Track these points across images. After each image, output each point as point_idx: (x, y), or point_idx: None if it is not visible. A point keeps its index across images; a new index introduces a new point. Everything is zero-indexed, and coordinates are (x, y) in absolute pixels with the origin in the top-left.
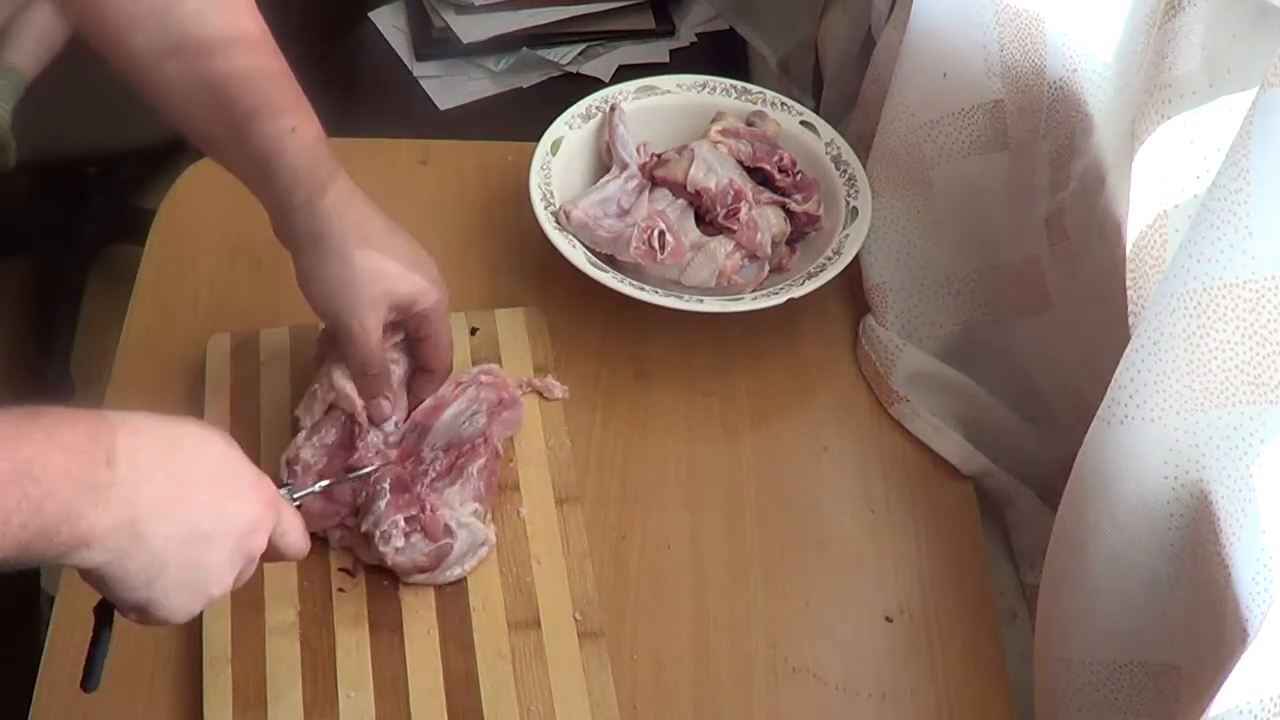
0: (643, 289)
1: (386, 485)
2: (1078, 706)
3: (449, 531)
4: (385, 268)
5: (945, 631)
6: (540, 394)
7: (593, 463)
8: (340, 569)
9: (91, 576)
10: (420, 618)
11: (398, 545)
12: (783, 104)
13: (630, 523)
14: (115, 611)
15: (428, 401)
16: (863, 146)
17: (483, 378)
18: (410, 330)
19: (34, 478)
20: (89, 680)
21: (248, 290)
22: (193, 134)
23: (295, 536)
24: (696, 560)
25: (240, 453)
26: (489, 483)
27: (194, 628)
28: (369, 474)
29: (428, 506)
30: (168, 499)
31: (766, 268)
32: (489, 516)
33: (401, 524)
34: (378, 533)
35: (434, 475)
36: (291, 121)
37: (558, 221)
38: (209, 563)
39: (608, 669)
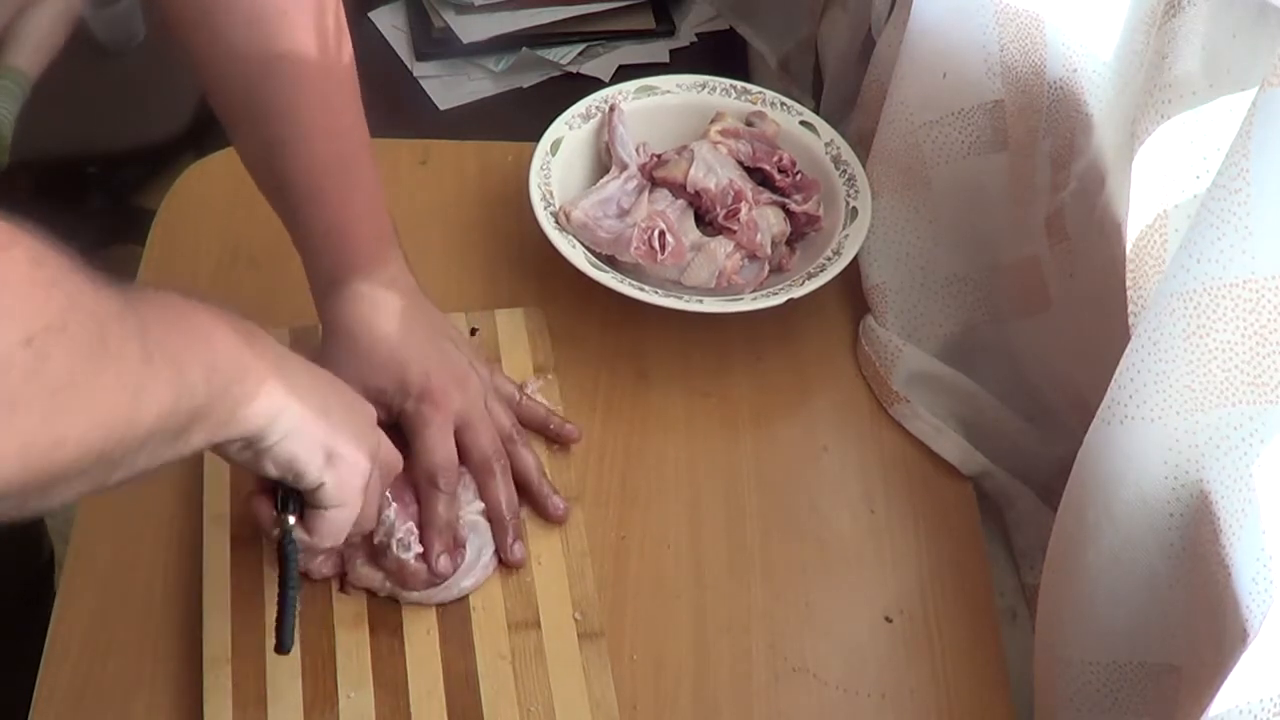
0: (643, 289)
1: (389, 494)
2: (1077, 706)
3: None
4: (367, 361)
5: (945, 631)
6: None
7: (592, 463)
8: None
9: (284, 425)
10: (420, 618)
11: (418, 551)
12: (783, 104)
13: (630, 523)
14: (295, 547)
15: None
16: (863, 146)
17: None
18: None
19: (215, 318)
20: (283, 641)
21: (248, 290)
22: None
23: (388, 446)
24: (696, 560)
25: None
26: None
27: (194, 628)
28: None
29: None
30: (295, 358)
31: (766, 268)
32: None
33: (414, 530)
34: (394, 541)
35: None
36: (327, 223)
37: (557, 222)
38: (351, 409)
39: (608, 669)
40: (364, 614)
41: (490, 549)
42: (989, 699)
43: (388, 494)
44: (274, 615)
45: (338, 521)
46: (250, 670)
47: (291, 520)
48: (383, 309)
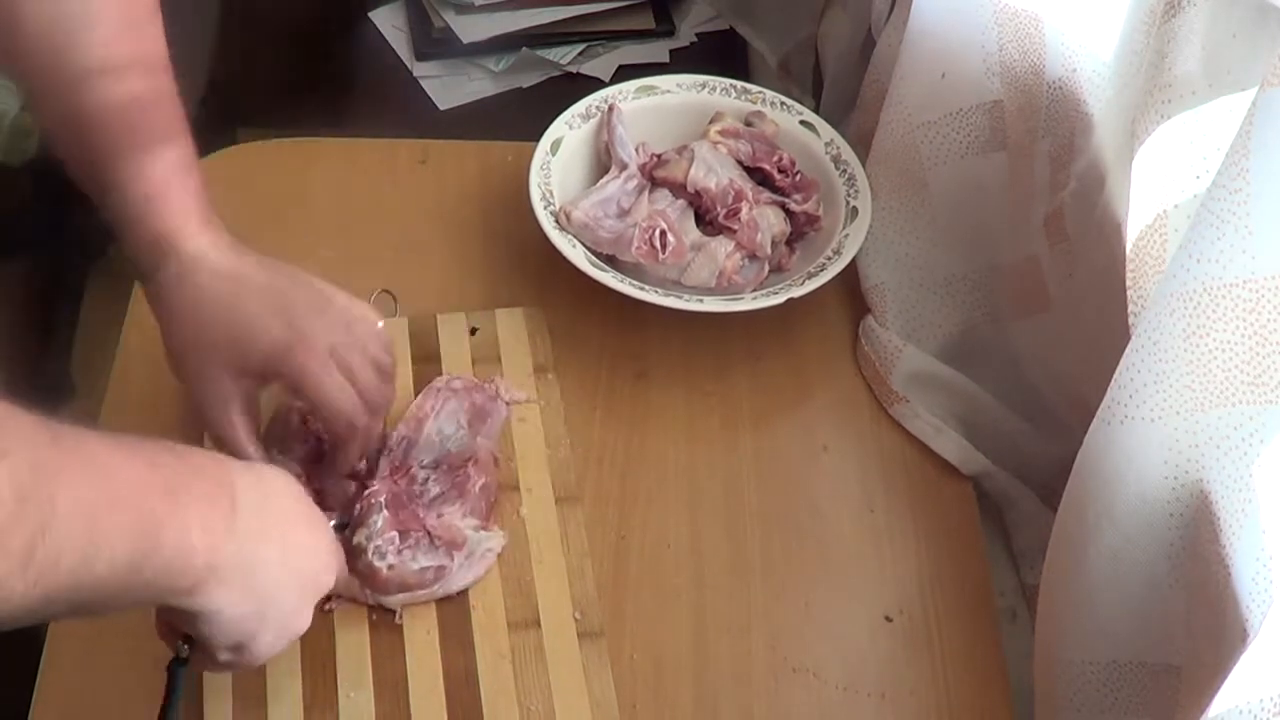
0: (643, 289)
1: (383, 500)
2: (1078, 706)
3: (454, 546)
4: (230, 334)
5: (945, 631)
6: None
7: (592, 462)
8: None
9: (205, 620)
10: (420, 618)
11: (391, 562)
12: (782, 104)
13: (630, 522)
14: (184, 671)
15: (409, 413)
16: (863, 146)
17: (454, 383)
18: (295, 395)
19: (179, 498)
20: None
21: None
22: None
23: (344, 571)
24: (696, 560)
25: (303, 491)
26: (489, 501)
27: None
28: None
29: (429, 525)
30: (271, 539)
31: (766, 268)
32: (492, 528)
33: (396, 540)
34: (371, 547)
35: (432, 496)
36: (145, 190)
37: (558, 222)
38: (298, 599)
39: (608, 669)
40: (364, 614)
41: (479, 557)
42: (989, 699)
43: (381, 500)
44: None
45: (231, 670)
46: (250, 670)
47: (186, 649)
48: (219, 273)
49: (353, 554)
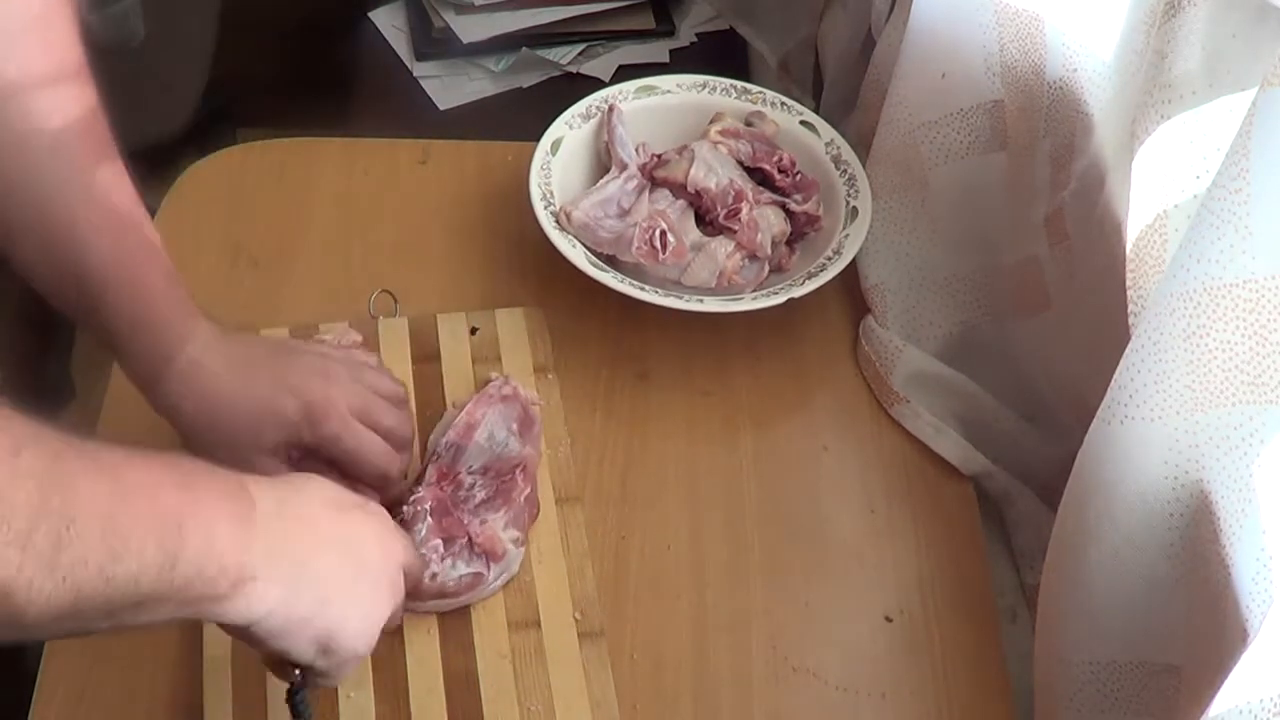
0: (643, 289)
1: (427, 508)
2: (1078, 706)
3: (493, 557)
4: (243, 429)
5: (945, 631)
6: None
7: (593, 463)
8: None
9: (266, 628)
10: (420, 618)
11: (434, 571)
12: (783, 104)
13: (630, 523)
14: (305, 695)
15: (460, 419)
16: (863, 146)
17: (504, 390)
18: (324, 456)
19: (197, 494)
20: None
21: (248, 290)
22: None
23: (413, 552)
24: (696, 560)
25: (338, 485)
26: (532, 514)
27: (194, 627)
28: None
29: (471, 532)
30: (305, 528)
31: (766, 268)
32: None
33: (440, 549)
34: None
35: (478, 501)
36: (136, 307)
37: (558, 222)
38: (372, 577)
39: (608, 669)
40: None
41: (508, 574)
42: (989, 699)
43: (426, 508)
44: None
45: (347, 671)
46: (250, 670)
47: (298, 674)
48: (220, 369)
49: None
